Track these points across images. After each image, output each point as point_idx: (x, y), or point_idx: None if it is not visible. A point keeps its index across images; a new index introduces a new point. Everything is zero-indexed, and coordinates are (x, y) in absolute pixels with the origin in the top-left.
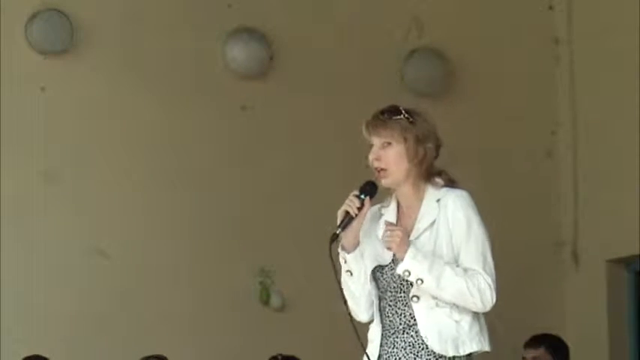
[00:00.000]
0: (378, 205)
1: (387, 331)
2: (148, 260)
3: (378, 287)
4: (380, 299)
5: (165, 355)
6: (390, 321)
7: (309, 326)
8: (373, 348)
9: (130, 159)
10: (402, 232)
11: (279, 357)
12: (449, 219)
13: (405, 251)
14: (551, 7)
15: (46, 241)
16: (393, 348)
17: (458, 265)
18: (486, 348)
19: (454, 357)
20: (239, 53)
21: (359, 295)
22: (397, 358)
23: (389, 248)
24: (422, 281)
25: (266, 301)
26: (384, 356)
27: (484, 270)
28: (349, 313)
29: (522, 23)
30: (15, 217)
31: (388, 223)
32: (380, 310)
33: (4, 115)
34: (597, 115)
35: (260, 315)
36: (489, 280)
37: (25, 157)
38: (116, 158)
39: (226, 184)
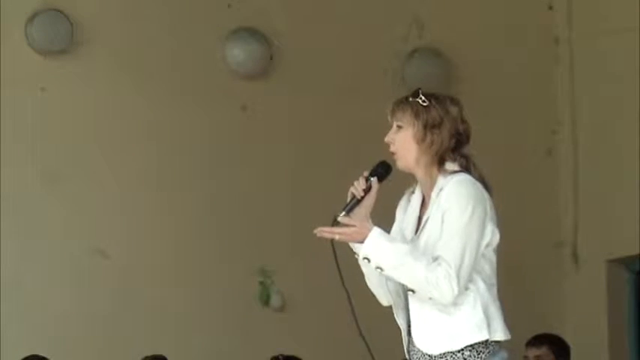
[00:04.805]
0: (408, 192)
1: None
2: (148, 260)
3: None
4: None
5: (165, 355)
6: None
7: (309, 326)
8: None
9: (130, 159)
10: (345, 226)
11: (280, 357)
12: (441, 207)
13: (366, 236)
14: (551, 7)
15: (46, 241)
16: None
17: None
18: (497, 337)
19: (448, 352)
20: (239, 53)
21: (372, 278)
22: (414, 350)
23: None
24: (381, 269)
25: (266, 301)
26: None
27: (450, 259)
28: (348, 298)
29: (522, 23)
30: (15, 217)
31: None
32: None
33: (4, 115)
34: (597, 115)
35: (260, 315)
36: (451, 271)
37: (25, 157)
38: (116, 158)
39: (226, 184)
